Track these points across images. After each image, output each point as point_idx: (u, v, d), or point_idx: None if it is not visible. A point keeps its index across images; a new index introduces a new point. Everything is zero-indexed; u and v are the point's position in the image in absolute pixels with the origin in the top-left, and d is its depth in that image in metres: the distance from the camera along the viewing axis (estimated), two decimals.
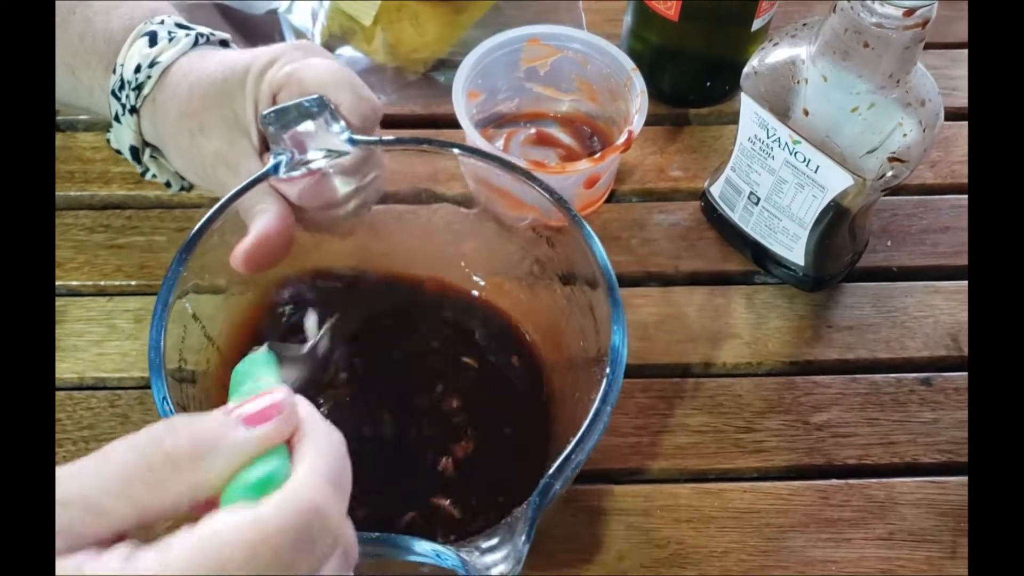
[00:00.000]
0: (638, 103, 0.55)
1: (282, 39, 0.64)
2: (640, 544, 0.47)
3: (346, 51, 0.65)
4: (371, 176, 0.44)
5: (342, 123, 0.41)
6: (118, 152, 0.48)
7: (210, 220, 0.40)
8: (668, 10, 0.59)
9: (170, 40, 0.45)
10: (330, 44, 0.65)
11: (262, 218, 0.41)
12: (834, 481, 0.49)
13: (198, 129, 0.43)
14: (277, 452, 0.25)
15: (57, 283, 0.55)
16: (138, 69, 0.44)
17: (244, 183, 0.41)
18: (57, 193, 0.58)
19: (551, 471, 0.33)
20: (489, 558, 0.30)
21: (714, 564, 0.47)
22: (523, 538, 0.31)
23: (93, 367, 0.52)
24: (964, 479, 0.50)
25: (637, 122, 0.54)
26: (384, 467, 0.43)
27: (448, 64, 0.64)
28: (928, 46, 0.46)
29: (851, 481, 0.49)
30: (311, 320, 0.42)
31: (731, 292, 0.56)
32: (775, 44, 0.50)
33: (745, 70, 0.51)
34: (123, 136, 0.46)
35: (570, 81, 0.60)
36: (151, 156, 0.47)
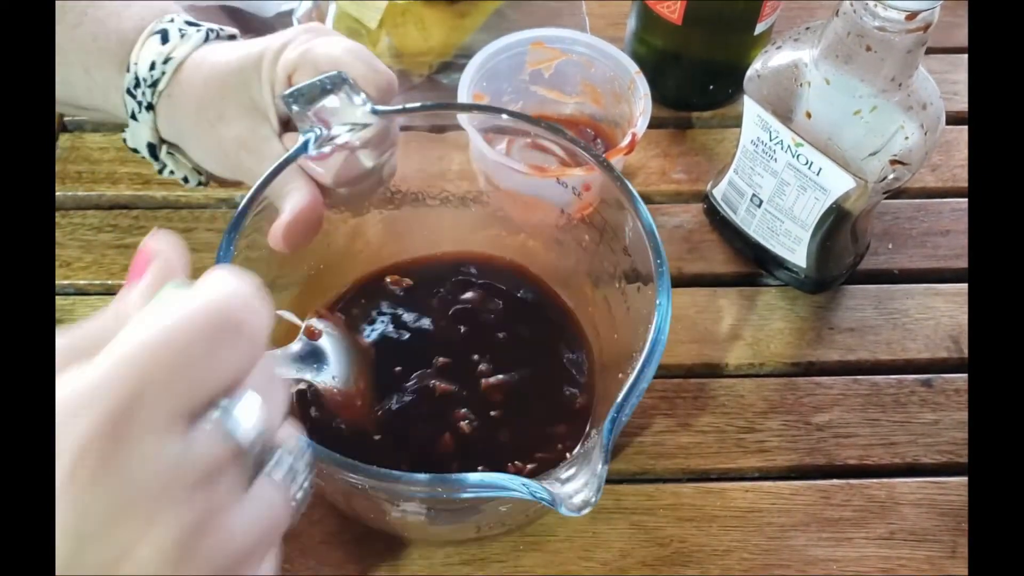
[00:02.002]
0: (641, 106, 0.55)
1: None
2: (643, 542, 0.48)
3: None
4: (389, 152, 0.46)
5: (362, 95, 0.42)
6: (134, 151, 0.49)
7: (253, 197, 0.41)
8: (672, 14, 0.59)
9: (182, 37, 0.46)
10: None
11: (294, 196, 0.42)
12: (835, 481, 0.50)
13: (217, 118, 0.44)
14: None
15: (64, 282, 0.55)
16: (152, 66, 0.45)
17: (279, 161, 0.41)
18: (65, 193, 0.59)
19: (619, 400, 0.34)
20: (570, 487, 0.32)
21: (716, 563, 0.47)
22: (600, 465, 0.32)
23: None
24: (964, 479, 0.50)
25: (641, 125, 0.54)
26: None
27: (453, 67, 0.65)
28: (929, 51, 0.47)
29: (852, 481, 0.50)
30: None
31: (733, 294, 0.57)
32: (778, 47, 0.50)
33: (748, 73, 0.51)
34: (140, 134, 0.47)
35: (574, 84, 0.60)
36: (168, 152, 0.48)
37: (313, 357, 0.40)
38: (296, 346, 0.39)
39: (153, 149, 0.48)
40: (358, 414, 0.43)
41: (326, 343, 0.40)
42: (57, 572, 0.22)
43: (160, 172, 0.49)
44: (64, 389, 0.23)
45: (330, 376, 0.40)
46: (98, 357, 0.23)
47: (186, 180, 0.50)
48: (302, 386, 0.41)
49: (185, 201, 0.59)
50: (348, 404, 0.41)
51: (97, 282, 0.56)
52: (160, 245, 0.28)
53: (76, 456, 0.22)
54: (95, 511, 0.22)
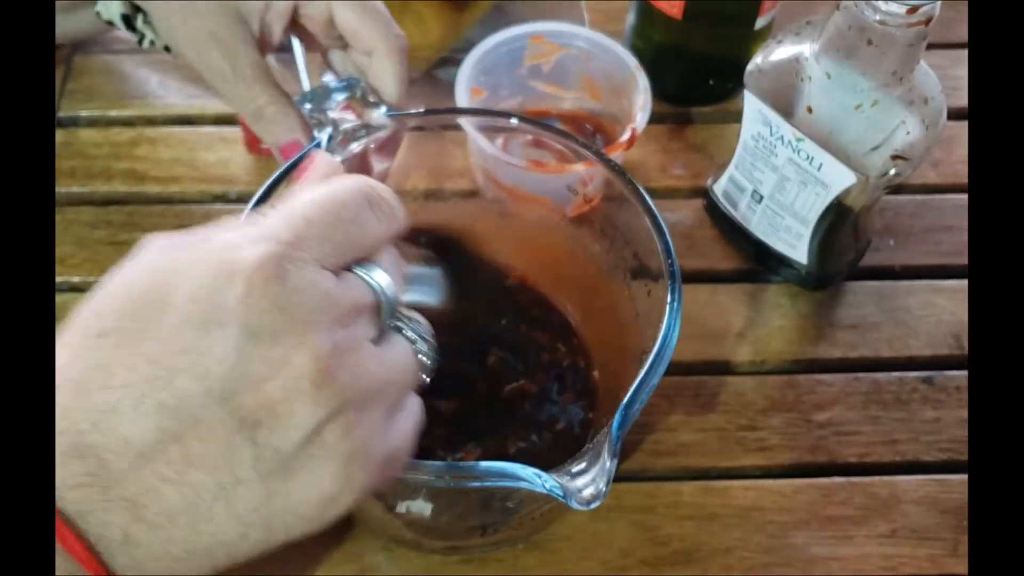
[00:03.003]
0: (641, 101, 0.55)
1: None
2: (643, 541, 0.47)
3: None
4: (387, 164, 0.46)
5: (375, 98, 0.43)
6: (110, 23, 0.47)
7: (271, 187, 0.40)
8: (672, 8, 0.59)
9: None
10: None
11: None
12: (836, 479, 0.49)
13: (191, 8, 0.43)
14: None
15: (58, 279, 0.55)
16: None
17: (290, 160, 0.40)
18: (58, 189, 0.58)
19: (629, 395, 0.35)
20: (580, 480, 0.33)
21: (717, 562, 0.47)
22: (610, 459, 0.33)
23: None
24: (965, 477, 0.50)
25: (640, 120, 0.54)
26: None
27: (451, 62, 0.64)
28: (930, 46, 0.46)
29: (853, 479, 0.49)
30: None
31: (734, 291, 0.56)
32: (779, 42, 0.50)
33: (749, 68, 0.51)
34: (111, 6, 0.45)
35: (573, 79, 0.60)
36: (145, 22, 0.46)
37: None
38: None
39: (128, 20, 0.46)
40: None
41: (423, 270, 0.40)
42: (223, 377, 0.25)
43: (140, 43, 0.47)
44: (234, 233, 0.27)
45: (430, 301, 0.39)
46: (270, 213, 0.28)
47: (167, 50, 0.47)
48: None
49: (180, 197, 0.59)
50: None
51: (91, 279, 0.55)
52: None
53: (248, 279, 0.26)
54: (261, 324, 0.26)
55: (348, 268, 0.29)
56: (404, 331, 0.31)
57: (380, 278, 0.30)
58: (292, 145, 0.43)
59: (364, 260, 0.30)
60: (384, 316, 0.30)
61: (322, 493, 0.27)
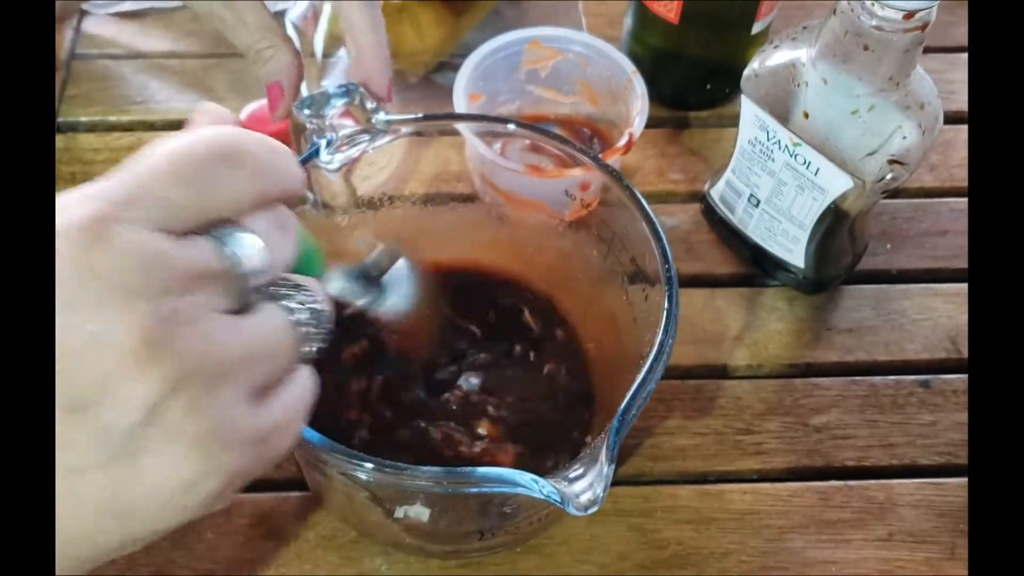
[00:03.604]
0: (639, 105, 0.55)
1: None
2: (640, 545, 0.47)
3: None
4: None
5: (373, 103, 0.43)
6: None
7: None
8: (668, 13, 0.59)
9: None
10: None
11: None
12: (834, 482, 0.50)
13: None
14: None
15: None
16: None
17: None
18: (58, 194, 0.58)
19: (626, 400, 0.35)
20: (577, 486, 0.32)
21: (714, 565, 0.47)
22: (607, 464, 0.33)
23: None
24: (963, 480, 0.50)
25: (638, 124, 0.54)
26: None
27: (449, 66, 0.64)
28: (927, 50, 0.46)
29: (850, 483, 0.50)
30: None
31: (731, 295, 0.56)
32: (775, 47, 0.50)
33: (745, 73, 0.51)
34: None
35: (571, 83, 0.60)
36: None
37: (373, 282, 0.37)
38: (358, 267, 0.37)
39: None
40: (413, 344, 0.43)
41: (393, 273, 0.38)
42: (55, 346, 0.24)
43: None
44: (72, 192, 0.25)
45: (388, 304, 0.37)
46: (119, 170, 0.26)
47: None
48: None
49: None
50: (406, 332, 0.40)
51: None
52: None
53: (68, 243, 0.24)
54: (79, 293, 0.24)
55: (203, 232, 0.26)
56: (280, 300, 0.28)
57: (240, 241, 0.26)
58: (274, 85, 0.43)
59: (226, 223, 0.27)
60: (244, 284, 0.27)
61: (179, 477, 0.25)
